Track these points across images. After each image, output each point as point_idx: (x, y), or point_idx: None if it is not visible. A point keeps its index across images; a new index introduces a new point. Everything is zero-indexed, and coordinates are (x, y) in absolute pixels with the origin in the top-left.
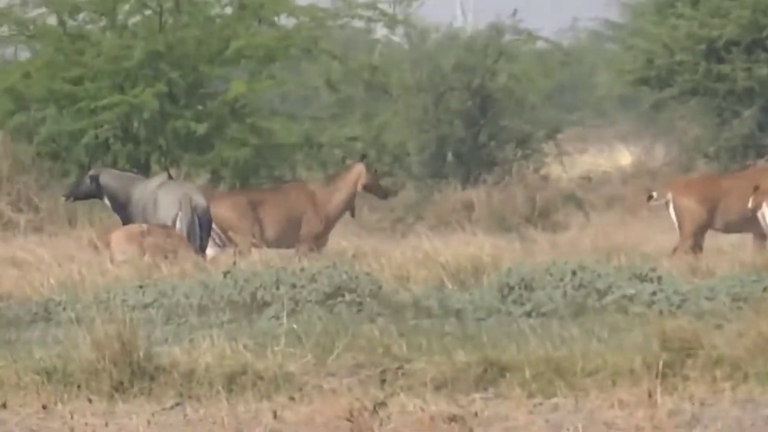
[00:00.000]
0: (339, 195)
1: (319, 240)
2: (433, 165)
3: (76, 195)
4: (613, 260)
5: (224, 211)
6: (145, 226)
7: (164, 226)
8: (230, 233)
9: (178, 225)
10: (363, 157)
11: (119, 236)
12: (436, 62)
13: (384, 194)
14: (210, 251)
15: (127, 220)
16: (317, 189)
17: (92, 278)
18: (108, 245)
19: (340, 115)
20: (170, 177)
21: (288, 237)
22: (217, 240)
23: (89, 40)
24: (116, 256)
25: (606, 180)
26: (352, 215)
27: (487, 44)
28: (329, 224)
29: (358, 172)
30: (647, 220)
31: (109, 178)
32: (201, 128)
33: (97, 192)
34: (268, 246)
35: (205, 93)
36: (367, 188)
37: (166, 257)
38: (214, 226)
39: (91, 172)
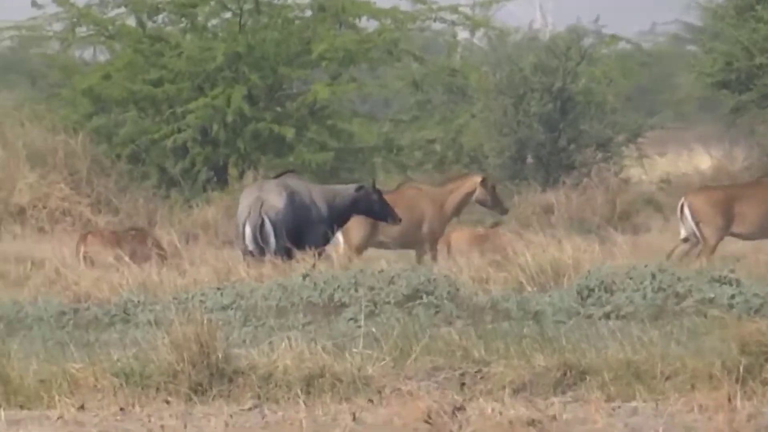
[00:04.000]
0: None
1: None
2: (513, 167)
3: None
4: (693, 263)
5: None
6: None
7: (139, 230)
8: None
9: (246, 229)
10: (481, 173)
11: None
12: (516, 64)
13: (503, 209)
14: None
15: None
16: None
17: (171, 279)
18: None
19: (419, 118)
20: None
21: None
22: None
23: (169, 42)
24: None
25: (685, 183)
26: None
27: (568, 47)
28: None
29: (473, 183)
30: None
31: None
32: (288, 132)
33: None
34: None
35: (284, 95)
36: (481, 202)
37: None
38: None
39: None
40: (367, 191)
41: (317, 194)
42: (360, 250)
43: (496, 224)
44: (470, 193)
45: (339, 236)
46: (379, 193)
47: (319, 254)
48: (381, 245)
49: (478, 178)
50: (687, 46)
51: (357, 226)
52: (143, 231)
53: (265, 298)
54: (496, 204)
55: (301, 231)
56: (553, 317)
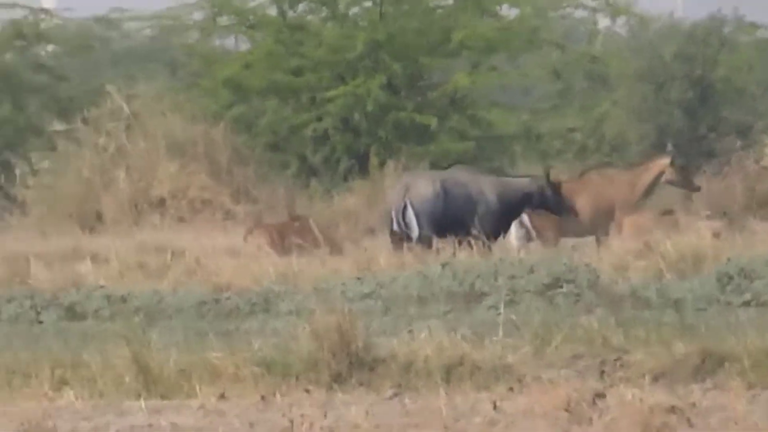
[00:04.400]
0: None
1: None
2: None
3: None
4: None
5: None
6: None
7: (302, 220)
8: None
9: (392, 213)
10: (669, 153)
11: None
12: (657, 52)
13: (694, 188)
14: (515, 242)
15: None
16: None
17: (311, 269)
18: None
19: (559, 106)
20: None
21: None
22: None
23: (309, 31)
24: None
25: None
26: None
27: (708, 34)
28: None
29: (662, 164)
30: None
31: None
32: (431, 121)
33: None
34: None
35: (424, 84)
36: (671, 182)
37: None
38: None
39: None
40: (540, 186)
41: (488, 186)
42: (554, 240)
43: (668, 212)
44: (660, 174)
45: (527, 226)
46: (555, 186)
47: (489, 246)
48: (571, 233)
49: (666, 159)
50: None
51: (548, 215)
52: (307, 221)
53: (405, 288)
54: (686, 183)
55: (458, 222)
56: (693, 305)
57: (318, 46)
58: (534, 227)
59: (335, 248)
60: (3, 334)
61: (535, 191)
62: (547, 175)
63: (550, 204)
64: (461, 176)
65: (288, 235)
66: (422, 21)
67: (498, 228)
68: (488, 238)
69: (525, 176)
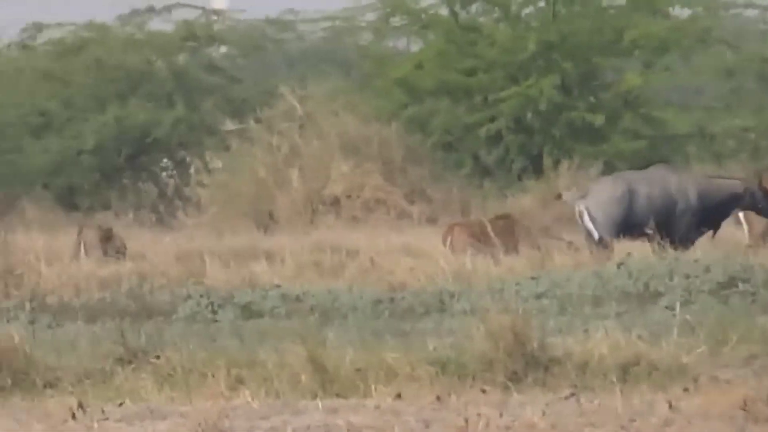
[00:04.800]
0: None
1: None
2: None
3: None
4: None
5: None
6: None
7: (507, 218)
8: None
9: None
10: None
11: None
12: None
13: None
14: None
15: None
16: None
17: (485, 269)
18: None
19: (732, 106)
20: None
21: None
22: None
23: (481, 32)
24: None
25: None
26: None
27: None
28: None
29: None
30: None
31: None
32: (598, 119)
33: None
34: None
35: (597, 84)
36: None
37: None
38: None
39: None
40: (750, 189)
41: (691, 186)
42: (763, 238)
43: None
44: None
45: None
46: (766, 191)
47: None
48: None
49: None
50: None
51: (759, 217)
52: (511, 219)
53: (581, 287)
54: None
55: (645, 221)
56: None
57: (490, 47)
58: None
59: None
60: (179, 333)
61: (744, 193)
62: (759, 181)
63: (760, 207)
64: (660, 175)
65: (489, 234)
66: (594, 21)
67: (695, 226)
68: (682, 237)
69: (735, 178)
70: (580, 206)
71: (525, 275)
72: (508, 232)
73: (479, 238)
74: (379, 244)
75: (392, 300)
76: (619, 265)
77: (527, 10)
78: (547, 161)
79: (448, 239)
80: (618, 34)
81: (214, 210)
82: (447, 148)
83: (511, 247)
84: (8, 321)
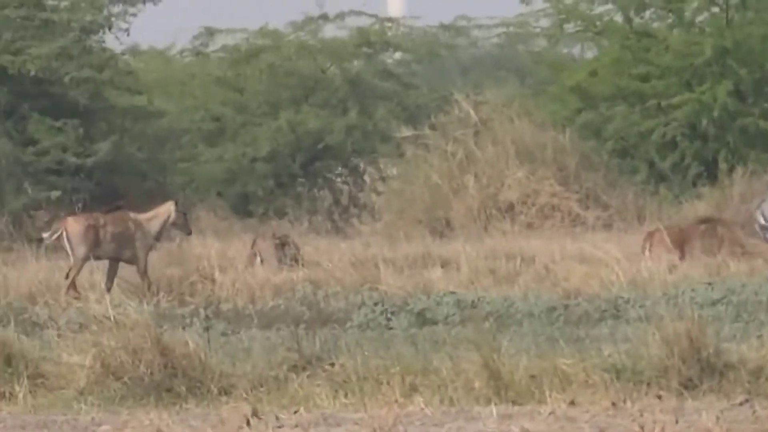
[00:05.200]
0: None
1: None
2: None
3: None
4: None
5: None
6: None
7: (711, 223)
8: None
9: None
10: None
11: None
12: None
13: None
14: None
15: None
16: None
17: (660, 275)
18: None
19: None
20: None
21: None
22: None
23: (656, 37)
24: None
25: None
26: None
27: None
28: None
29: None
30: None
31: None
32: None
33: None
34: None
35: None
36: None
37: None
38: None
39: None
40: None
41: None
42: None
43: None
44: None
45: None
46: None
47: None
48: None
49: None
50: None
51: None
52: (714, 222)
53: (756, 293)
54: None
55: None
56: None
57: (664, 53)
58: None
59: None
60: (354, 340)
61: None
62: None
63: None
64: None
65: (691, 239)
66: None
67: None
68: None
69: None
70: (760, 212)
71: (700, 281)
72: (711, 236)
73: (679, 243)
74: (553, 250)
75: (566, 307)
76: None
77: (701, 17)
78: (722, 167)
79: (647, 246)
80: None
81: (388, 217)
82: (622, 154)
83: (715, 251)
84: (183, 328)
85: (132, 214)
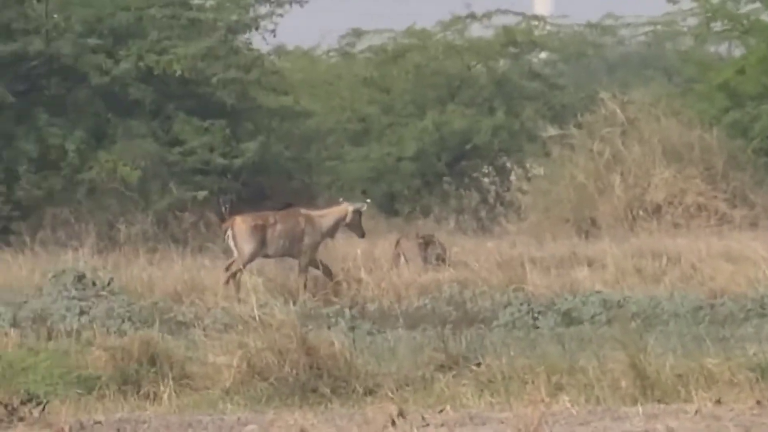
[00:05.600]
0: None
1: None
2: None
3: None
4: None
5: None
6: None
7: None
8: None
9: None
10: None
11: None
12: None
13: None
14: None
15: None
16: None
17: None
18: None
19: None
20: None
21: None
22: None
23: None
24: None
25: None
26: None
27: None
28: None
29: None
30: None
31: None
32: None
33: None
34: None
35: None
36: None
37: None
38: None
39: None
40: None
41: None
42: None
43: None
44: None
45: None
46: None
47: None
48: None
49: None
50: None
51: None
52: None
53: None
54: None
55: None
56: None
57: None
58: None
59: None
60: (500, 339)
61: None
62: None
63: None
64: None
65: None
66: None
67: None
68: None
69: None
70: None
71: None
72: None
73: None
74: (699, 249)
75: (712, 306)
76: None
77: None
78: None
79: None
80: None
81: (534, 216)
82: None
83: None
84: (329, 328)
85: (303, 210)
